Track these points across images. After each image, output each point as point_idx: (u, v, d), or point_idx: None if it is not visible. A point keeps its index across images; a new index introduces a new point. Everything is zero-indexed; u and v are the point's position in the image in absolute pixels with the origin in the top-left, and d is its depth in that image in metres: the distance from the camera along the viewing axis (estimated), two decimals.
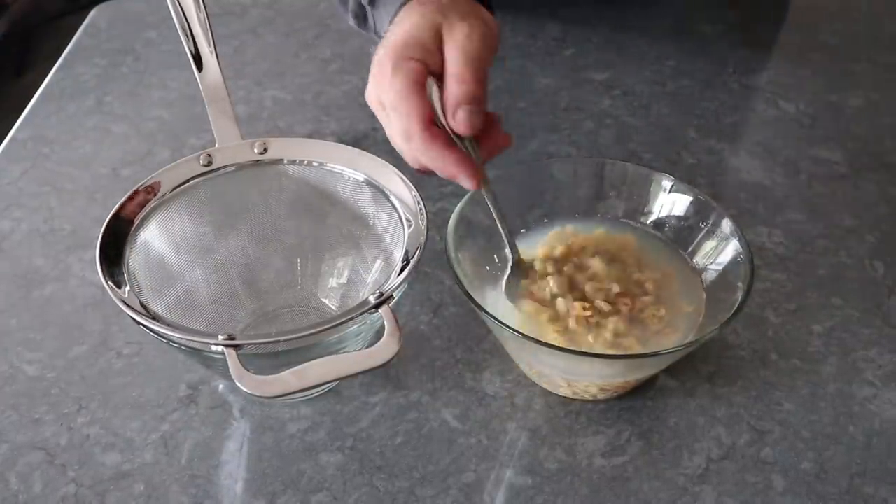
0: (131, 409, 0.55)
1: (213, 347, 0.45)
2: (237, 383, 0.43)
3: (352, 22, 0.68)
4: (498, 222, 0.54)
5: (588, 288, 0.54)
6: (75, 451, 0.52)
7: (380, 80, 0.52)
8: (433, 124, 0.50)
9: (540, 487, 0.51)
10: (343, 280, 0.59)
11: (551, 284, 0.54)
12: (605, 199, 0.61)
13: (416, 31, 0.52)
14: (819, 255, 0.66)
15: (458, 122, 0.49)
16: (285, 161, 0.58)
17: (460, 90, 0.49)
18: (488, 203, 0.53)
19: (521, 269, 0.56)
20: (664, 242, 0.59)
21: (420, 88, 0.50)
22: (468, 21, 0.51)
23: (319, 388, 0.54)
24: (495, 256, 0.57)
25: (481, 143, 0.52)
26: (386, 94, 0.51)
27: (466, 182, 0.50)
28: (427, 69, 0.51)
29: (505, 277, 0.56)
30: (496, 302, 0.55)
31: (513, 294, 0.55)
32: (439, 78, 0.51)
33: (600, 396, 0.55)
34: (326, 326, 0.46)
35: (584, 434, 0.54)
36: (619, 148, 0.76)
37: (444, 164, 0.50)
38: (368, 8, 0.64)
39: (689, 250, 0.58)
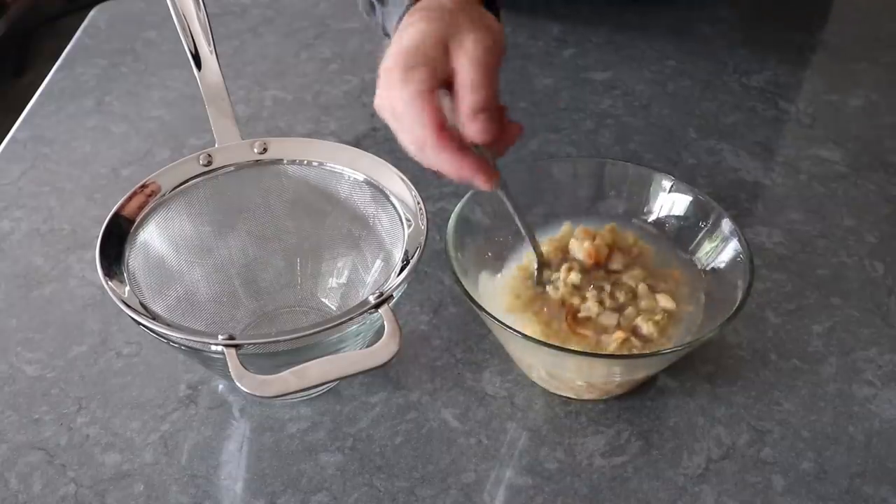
0: (131, 409, 0.55)
1: (213, 347, 0.45)
2: (237, 383, 0.43)
3: (360, 6, 0.67)
4: (518, 221, 0.54)
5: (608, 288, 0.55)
6: (75, 451, 0.52)
7: (389, 90, 0.51)
8: (445, 129, 0.50)
9: (540, 487, 0.51)
10: (343, 280, 0.59)
11: (572, 278, 0.55)
12: (605, 199, 0.61)
13: (422, 40, 0.51)
14: (819, 255, 0.66)
15: (475, 130, 0.49)
16: (285, 161, 0.58)
17: (475, 98, 0.49)
18: (506, 202, 0.53)
19: (545, 263, 0.57)
20: (664, 242, 0.59)
21: (430, 95, 0.50)
22: (477, 30, 0.51)
23: (319, 388, 0.54)
24: (491, 253, 0.58)
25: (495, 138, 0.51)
26: (396, 103, 0.51)
27: (483, 184, 0.50)
28: (436, 77, 0.50)
29: (534, 274, 0.56)
30: (493, 296, 0.55)
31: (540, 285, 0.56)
32: (447, 87, 0.51)
33: (600, 397, 0.55)
34: (326, 326, 0.46)
35: (584, 434, 0.54)
36: (619, 148, 0.76)
37: (459, 169, 0.49)
38: (378, 4, 0.64)
39: (689, 250, 0.58)
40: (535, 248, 0.56)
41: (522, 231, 0.55)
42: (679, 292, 0.55)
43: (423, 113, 0.49)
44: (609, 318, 0.53)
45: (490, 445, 0.53)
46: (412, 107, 0.49)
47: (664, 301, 0.54)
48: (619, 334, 0.52)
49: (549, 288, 0.56)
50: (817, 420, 0.54)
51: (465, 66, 0.50)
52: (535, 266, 0.56)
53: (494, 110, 0.49)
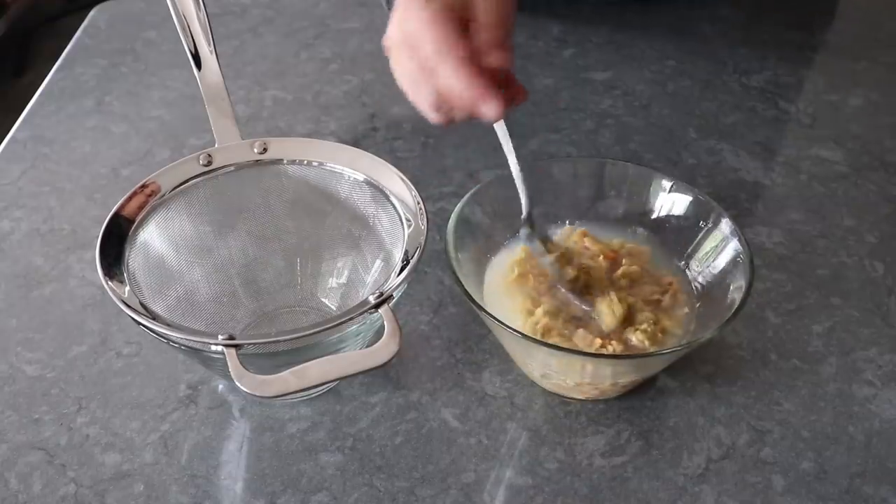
0: (131, 409, 0.55)
1: (213, 347, 0.45)
2: (237, 383, 0.43)
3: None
4: (511, 162, 0.54)
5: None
6: (75, 451, 0.52)
7: (407, 11, 0.51)
8: (464, 44, 0.50)
9: (540, 487, 0.51)
10: (343, 280, 0.59)
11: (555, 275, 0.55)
12: (605, 199, 0.61)
13: None
14: (819, 255, 0.66)
15: (496, 57, 0.51)
16: (285, 161, 0.58)
17: (498, 32, 0.51)
18: (502, 141, 0.54)
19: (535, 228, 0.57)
20: (663, 243, 0.59)
21: (452, 14, 0.50)
22: None
23: (319, 388, 0.54)
24: (491, 253, 0.58)
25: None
26: (413, 24, 0.50)
27: (492, 109, 0.49)
28: (455, 7, 0.50)
29: (523, 219, 0.56)
30: (493, 296, 0.55)
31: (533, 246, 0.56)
32: (463, 25, 0.51)
33: (599, 397, 0.55)
34: (326, 326, 0.46)
35: (584, 434, 0.54)
36: (619, 148, 0.76)
37: (473, 86, 0.49)
38: None
39: (688, 250, 0.58)
40: (525, 194, 0.55)
41: (514, 175, 0.54)
42: (676, 298, 0.55)
43: (443, 29, 0.49)
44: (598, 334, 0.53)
45: (490, 445, 0.53)
46: (432, 25, 0.49)
47: (663, 321, 0.54)
48: (598, 341, 0.52)
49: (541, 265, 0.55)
50: (817, 420, 0.54)
51: (489, 7, 0.51)
52: (524, 214, 0.56)
53: (512, 48, 0.52)
